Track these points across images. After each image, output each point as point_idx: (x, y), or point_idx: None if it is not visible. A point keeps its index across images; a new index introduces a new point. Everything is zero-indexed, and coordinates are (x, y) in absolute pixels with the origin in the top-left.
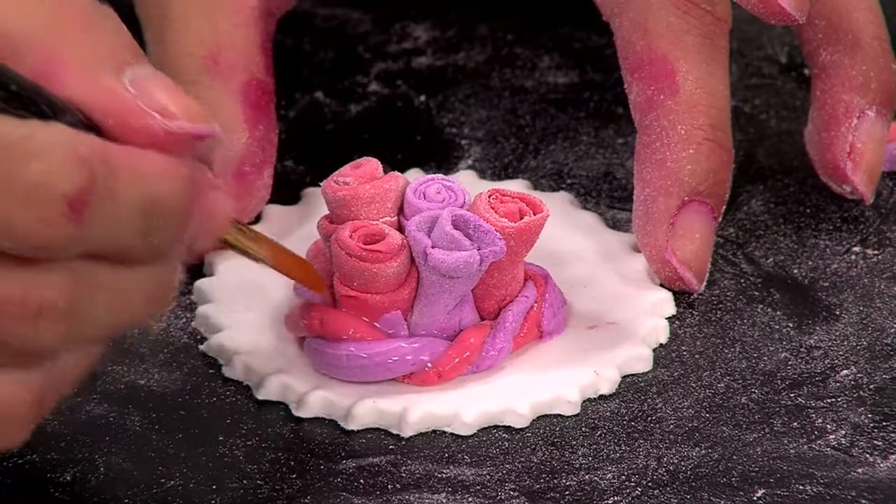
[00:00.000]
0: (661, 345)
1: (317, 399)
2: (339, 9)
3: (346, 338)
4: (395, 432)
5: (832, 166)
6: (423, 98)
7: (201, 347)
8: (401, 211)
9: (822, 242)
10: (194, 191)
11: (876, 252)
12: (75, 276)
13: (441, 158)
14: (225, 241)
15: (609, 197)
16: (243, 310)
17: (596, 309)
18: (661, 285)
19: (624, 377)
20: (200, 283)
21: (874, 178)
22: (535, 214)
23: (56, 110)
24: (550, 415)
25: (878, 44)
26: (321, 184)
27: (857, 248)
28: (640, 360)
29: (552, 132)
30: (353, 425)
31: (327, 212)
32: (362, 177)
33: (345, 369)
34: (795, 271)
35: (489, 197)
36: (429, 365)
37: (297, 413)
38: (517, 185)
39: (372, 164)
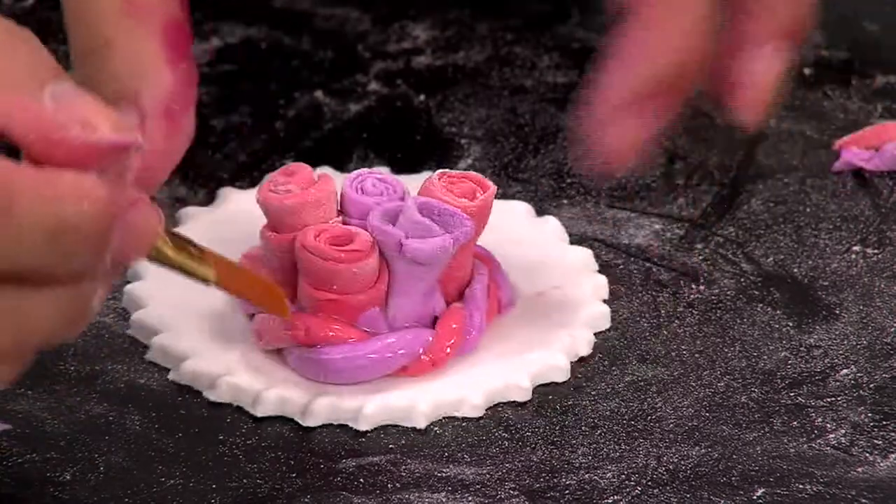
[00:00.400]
0: (660, 344)
1: (321, 407)
2: (339, 8)
3: (335, 342)
4: (407, 425)
5: (715, 94)
6: (422, 97)
7: (170, 377)
8: (340, 211)
9: (822, 241)
10: (112, 211)
11: (876, 251)
12: None
13: (440, 158)
14: (158, 258)
15: (609, 196)
16: (194, 330)
17: (534, 279)
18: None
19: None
20: (138, 315)
21: (760, 110)
22: (484, 191)
23: None
24: (550, 413)
25: None
26: (256, 194)
27: (857, 248)
28: (601, 317)
29: (552, 132)
30: (364, 425)
31: (243, 212)
32: (302, 182)
33: (343, 372)
34: (795, 270)
35: (440, 180)
36: (422, 355)
37: (304, 423)
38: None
39: (306, 169)
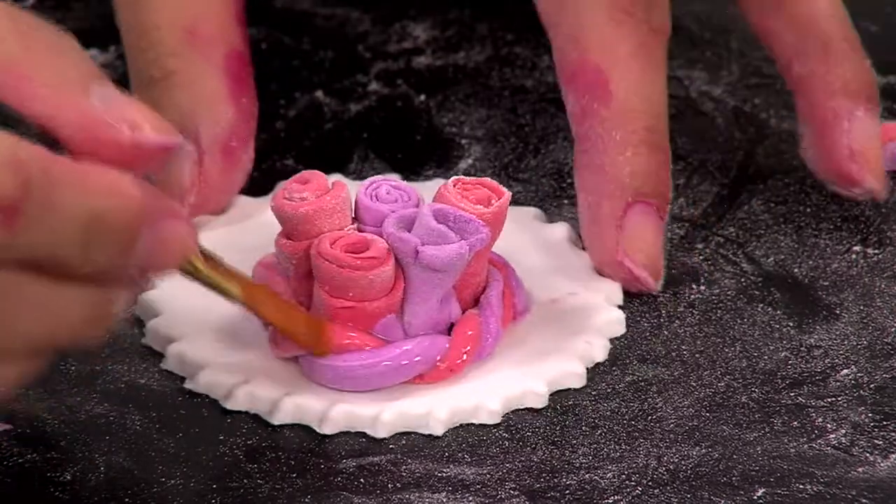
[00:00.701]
0: (661, 344)
1: (339, 415)
2: (339, 8)
3: (352, 349)
4: (425, 433)
5: (838, 173)
6: (422, 97)
7: (186, 385)
8: (354, 218)
9: (823, 242)
10: (144, 213)
11: (876, 251)
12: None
13: (441, 158)
14: (190, 273)
15: None
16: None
17: (548, 285)
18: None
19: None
20: (154, 324)
21: (881, 173)
22: (499, 197)
23: (11, 122)
24: (550, 413)
25: (849, 45)
26: (270, 203)
27: (857, 248)
28: (616, 322)
29: (552, 132)
30: (382, 433)
31: (257, 221)
32: (317, 190)
33: (361, 380)
34: (796, 270)
35: (454, 186)
36: (439, 362)
37: (322, 431)
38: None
39: (320, 177)
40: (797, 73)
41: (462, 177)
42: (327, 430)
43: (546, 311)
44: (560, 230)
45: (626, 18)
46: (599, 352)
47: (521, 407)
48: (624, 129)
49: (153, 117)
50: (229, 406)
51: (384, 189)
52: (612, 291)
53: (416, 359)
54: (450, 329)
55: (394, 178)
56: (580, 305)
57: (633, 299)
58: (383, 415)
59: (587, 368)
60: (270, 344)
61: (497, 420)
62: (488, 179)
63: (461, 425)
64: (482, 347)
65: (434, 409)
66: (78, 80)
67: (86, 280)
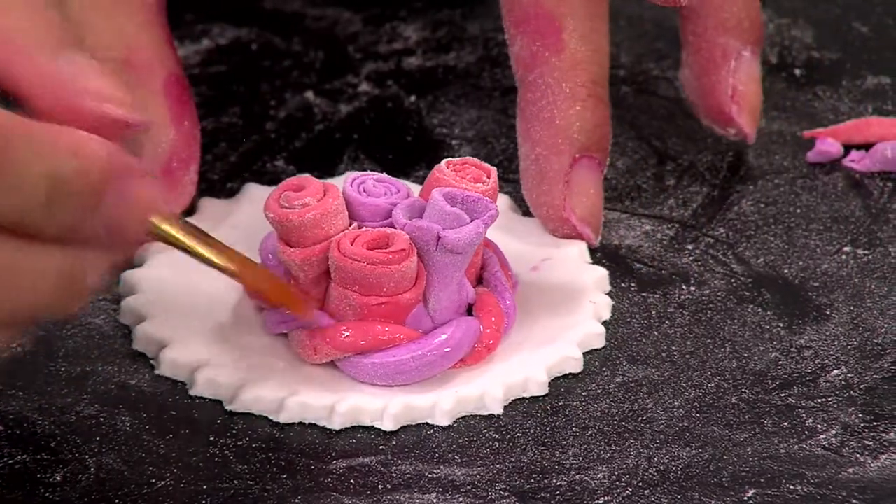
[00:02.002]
0: (651, 345)
1: (346, 409)
2: (330, 9)
3: (398, 343)
4: (432, 423)
5: (717, 110)
6: (413, 98)
7: (191, 392)
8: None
9: (813, 242)
10: (106, 172)
11: (866, 252)
12: None
13: (431, 158)
14: (168, 239)
15: None
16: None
17: (519, 255)
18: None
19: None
20: (165, 354)
21: (757, 117)
22: (488, 175)
23: None
24: (541, 414)
25: None
26: (268, 214)
27: (847, 248)
28: (602, 278)
29: None
30: (389, 425)
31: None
32: (315, 194)
33: (413, 372)
34: (786, 271)
35: (448, 168)
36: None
37: (331, 426)
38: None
39: (312, 181)
40: (691, 3)
41: (449, 159)
42: (336, 425)
43: (532, 282)
44: (501, 202)
45: None
46: (595, 338)
47: (524, 396)
48: (573, 81)
49: (119, 91)
50: (233, 408)
51: (370, 183)
52: (581, 248)
53: (460, 343)
54: (468, 310)
55: (372, 173)
56: (561, 269)
57: (623, 300)
58: (389, 408)
59: (604, 329)
60: (302, 353)
61: (500, 410)
62: (470, 158)
63: (456, 423)
64: (508, 322)
65: (440, 400)
66: (49, 42)
67: (55, 243)
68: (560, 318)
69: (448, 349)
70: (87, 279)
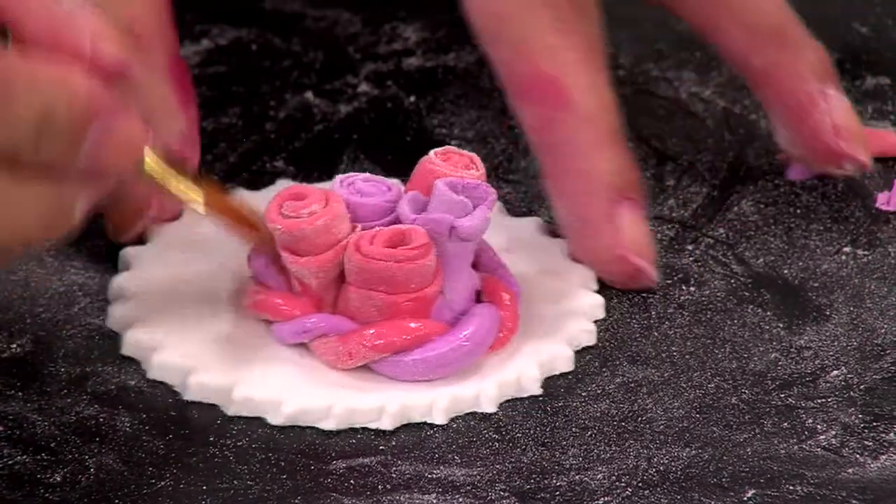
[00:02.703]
0: (651, 345)
1: (342, 411)
2: (330, 10)
3: (433, 337)
4: (428, 421)
5: (826, 151)
6: (412, 99)
7: (186, 398)
8: None
9: (813, 243)
10: (92, 107)
11: (866, 252)
12: None
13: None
14: (150, 177)
15: None
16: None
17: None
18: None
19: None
20: (155, 358)
21: (865, 144)
22: (473, 161)
23: None
24: (540, 414)
25: (801, 29)
26: (275, 227)
27: (847, 249)
28: (598, 306)
29: None
30: (388, 424)
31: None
32: (320, 200)
33: (453, 364)
34: (786, 272)
35: (438, 157)
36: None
37: (325, 427)
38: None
39: (312, 188)
40: (759, 66)
41: (436, 149)
42: (331, 426)
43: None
44: (532, 224)
45: (568, 28)
46: (586, 336)
47: (517, 395)
48: (593, 133)
49: (117, 37)
50: (231, 412)
51: (361, 184)
52: (587, 276)
53: (490, 330)
54: (477, 297)
55: (355, 174)
56: (548, 266)
57: (623, 300)
58: (388, 407)
59: (575, 351)
60: (334, 360)
61: (494, 408)
62: (450, 146)
63: (453, 423)
64: (518, 302)
65: (436, 399)
66: None
67: (40, 175)
68: (550, 316)
69: (481, 337)
70: (73, 211)
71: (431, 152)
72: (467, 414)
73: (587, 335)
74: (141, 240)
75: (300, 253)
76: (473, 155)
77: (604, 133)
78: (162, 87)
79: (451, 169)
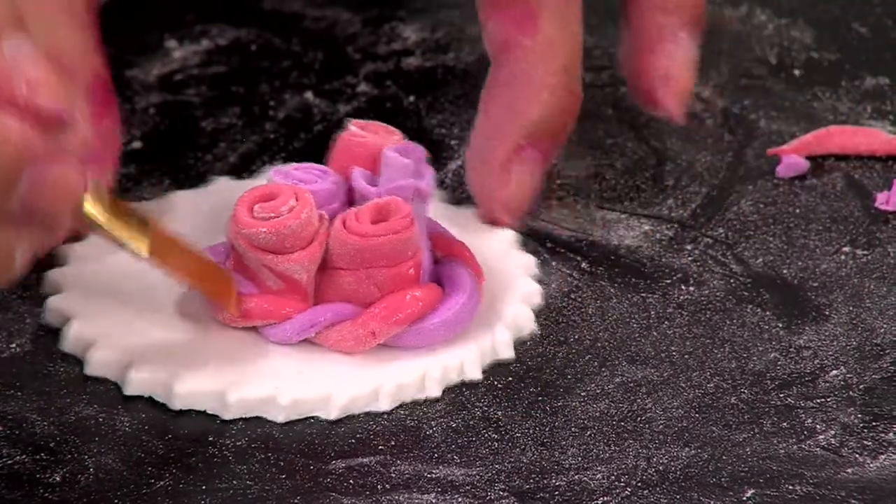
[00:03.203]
0: (650, 345)
1: (289, 402)
2: (329, 10)
3: (444, 298)
4: (373, 410)
5: (647, 90)
6: (412, 99)
7: (174, 406)
8: None
9: (812, 243)
10: (26, 153)
11: (865, 252)
12: None
13: (430, 159)
14: (91, 222)
15: (599, 197)
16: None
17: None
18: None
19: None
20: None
21: (686, 100)
22: (386, 128)
23: None
24: (540, 414)
25: None
26: (259, 231)
27: (846, 249)
28: (529, 264)
29: None
30: (334, 414)
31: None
32: (292, 195)
33: (467, 320)
34: (785, 271)
35: (360, 129)
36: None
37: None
38: None
39: (275, 186)
40: None
41: (349, 125)
42: (281, 418)
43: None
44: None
45: None
46: (535, 296)
47: (460, 380)
48: (545, 66)
49: (55, 83)
50: (228, 416)
51: (298, 173)
52: (510, 234)
53: (477, 282)
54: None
55: (276, 168)
56: (488, 254)
57: (622, 300)
58: (334, 397)
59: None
60: (359, 345)
61: (439, 393)
62: (361, 121)
63: (455, 423)
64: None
65: (381, 385)
66: None
67: None
68: (490, 302)
69: (477, 289)
70: (13, 258)
71: (350, 126)
72: (466, 413)
73: (527, 321)
74: (77, 237)
75: (287, 250)
76: (382, 123)
77: (555, 72)
78: (78, 105)
79: (381, 138)
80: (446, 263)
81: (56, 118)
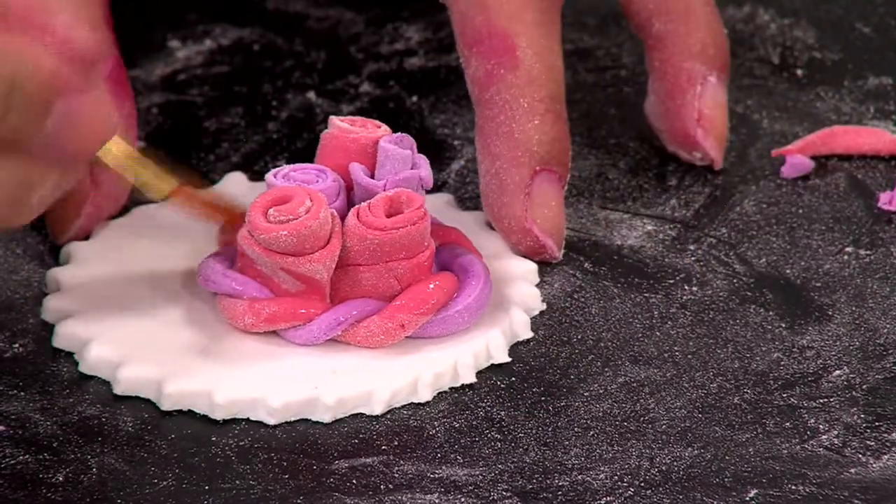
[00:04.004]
0: (653, 345)
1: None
2: (332, 9)
3: (461, 285)
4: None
5: (682, 135)
6: (414, 99)
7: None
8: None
9: (815, 243)
10: (57, 84)
11: (868, 252)
12: None
13: (433, 159)
14: (112, 161)
15: (602, 197)
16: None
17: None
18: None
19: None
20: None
21: (723, 143)
22: (372, 122)
23: None
24: (542, 414)
25: (710, 10)
26: (280, 234)
27: (849, 249)
28: (530, 271)
29: None
30: (328, 417)
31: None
32: (304, 196)
33: (486, 304)
34: (788, 272)
35: (350, 125)
36: None
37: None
38: None
39: (287, 188)
40: (656, 31)
41: (333, 122)
42: (275, 421)
43: None
44: (444, 198)
45: None
46: (535, 301)
47: (454, 385)
48: (530, 97)
49: (88, 28)
50: (220, 416)
51: (295, 175)
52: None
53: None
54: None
55: (283, 168)
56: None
57: (625, 300)
58: (324, 398)
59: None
60: (390, 337)
61: (473, 379)
62: (342, 118)
63: (458, 424)
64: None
65: (375, 388)
66: None
67: (6, 148)
68: (489, 307)
69: (489, 275)
70: (33, 194)
71: (334, 122)
72: (469, 414)
73: (522, 327)
74: (85, 238)
75: (307, 251)
76: (362, 118)
77: (542, 100)
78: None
79: (369, 132)
80: (444, 250)
81: (89, 56)
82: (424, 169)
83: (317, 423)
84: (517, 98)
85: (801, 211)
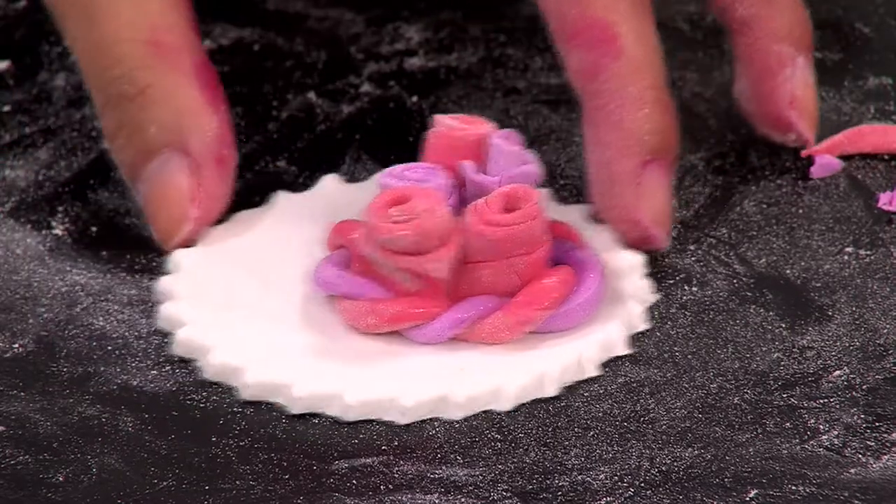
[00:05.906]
0: (653, 345)
1: (358, 402)
2: (332, 10)
3: (577, 283)
4: (445, 418)
5: (776, 117)
6: (415, 99)
7: (244, 396)
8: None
9: (815, 243)
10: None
11: (868, 252)
12: None
13: None
14: None
15: None
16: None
17: None
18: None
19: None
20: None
21: (815, 122)
22: (477, 121)
23: None
24: (542, 414)
25: None
26: (403, 234)
27: (849, 249)
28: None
29: (545, 133)
30: (406, 419)
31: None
32: (422, 195)
33: (598, 303)
34: (788, 272)
35: (454, 121)
36: None
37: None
38: None
39: (405, 188)
40: (740, 16)
41: (438, 120)
42: (459, 415)
43: None
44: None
45: None
46: (638, 319)
47: (578, 379)
48: (637, 85)
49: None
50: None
51: (409, 174)
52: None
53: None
54: None
55: (393, 169)
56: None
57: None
58: (402, 400)
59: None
60: (514, 332)
61: (596, 373)
62: (443, 116)
63: (458, 424)
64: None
65: (503, 385)
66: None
67: None
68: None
69: (604, 268)
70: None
71: (441, 121)
72: (471, 414)
73: (638, 318)
74: (189, 245)
75: (429, 250)
76: (468, 115)
77: (649, 87)
78: (190, 90)
79: (476, 129)
80: (556, 244)
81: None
82: (535, 165)
83: (317, 423)
84: (624, 86)
85: (801, 211)
